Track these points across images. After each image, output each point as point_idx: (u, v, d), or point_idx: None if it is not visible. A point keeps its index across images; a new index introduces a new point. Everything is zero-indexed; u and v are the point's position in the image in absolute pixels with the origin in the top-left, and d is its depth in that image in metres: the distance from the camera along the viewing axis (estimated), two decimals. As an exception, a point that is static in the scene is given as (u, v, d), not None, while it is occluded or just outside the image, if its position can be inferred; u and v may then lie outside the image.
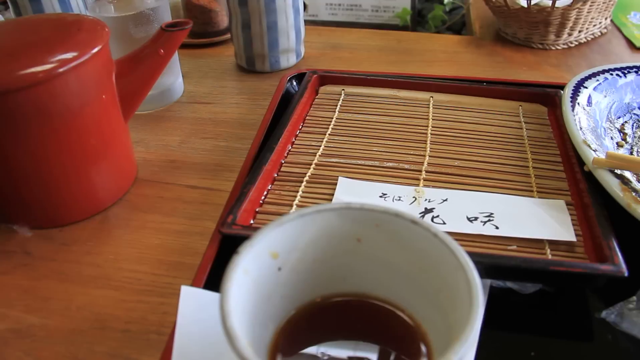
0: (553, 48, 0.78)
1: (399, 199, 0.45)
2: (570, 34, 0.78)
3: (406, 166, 0.49)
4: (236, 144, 0.59)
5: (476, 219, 0.42)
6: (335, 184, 0.47)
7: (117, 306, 0.41)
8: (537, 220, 0.43)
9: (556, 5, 0.73)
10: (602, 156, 0.45)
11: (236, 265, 0.28)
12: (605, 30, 0.82)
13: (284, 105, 0.58)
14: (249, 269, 0.29)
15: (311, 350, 0.32)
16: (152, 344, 0.38)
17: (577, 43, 0.79)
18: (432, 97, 0.60)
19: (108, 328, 0.40)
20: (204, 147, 0.59)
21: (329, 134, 0.55)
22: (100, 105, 0.48)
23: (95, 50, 0.45)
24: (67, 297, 0.42)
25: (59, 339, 0.39)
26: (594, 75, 0.58)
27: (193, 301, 0.36)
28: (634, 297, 0.39)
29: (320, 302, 0.34)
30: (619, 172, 0.44)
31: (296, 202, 0.46)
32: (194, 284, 0.38)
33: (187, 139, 0.61)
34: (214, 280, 0.38)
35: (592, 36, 0.81)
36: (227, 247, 0.41)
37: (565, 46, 0.79)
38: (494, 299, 0.39)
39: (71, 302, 0.42)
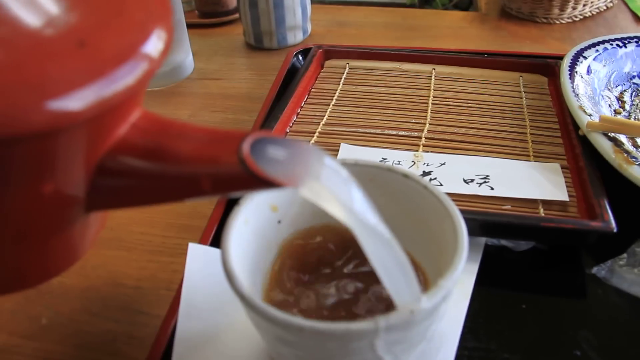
0: (557, 22, 0.79)
1: (399, 163, 0.46)
2: (574, 8, 0.78)
3: (406, 133, 0.51)
4: (244, 116, 0.61)
5: (472, 180, 0.44)
6: (338, 151, 0.49)
7: (129, 265, 0.43)
8: (532, 181, 0.44)
9: (560, -21, 0.74)
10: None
11: (237, 215, 0.30)
12: (610, 4, 0.83)
13: (290, 80, 0.60)
14: (249, 219, 0.31)
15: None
16: (162, 299, 0.40)
17: (581, 17, 0.80)
18: (434, 69, 0.61)
19: (121, 285, 0.42)
20: (213, 120, 0.61)
21: (333, 105, 0.56)
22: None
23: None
24: (82, 258, 0.44)
25: (75, 295, 0.41)
26: (593, 45, 0.59)
27: (199, 257, 0.38)
28: (624, 254, 0.41)
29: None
30: (612, 135, 0.45)
31: (299, 167, 0.48)
32: (201, 242, 0.41)
33: (197, 112, 0.63)
34: (219, 240, 0.40)
35: (597, 10, 0.81)
36: (232, 209, 0.43)
37: (569, 20, 0.79)
38: (489, 256, 0.40)
39: (86, 262, 0.44)
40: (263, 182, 0.21)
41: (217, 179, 0.22)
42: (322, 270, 0.33)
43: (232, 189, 0.23)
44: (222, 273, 0.27)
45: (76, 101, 0.18)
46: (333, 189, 0.23)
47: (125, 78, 0.19)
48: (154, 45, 0.21)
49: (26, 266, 0.26)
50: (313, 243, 0.35)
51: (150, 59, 0.21)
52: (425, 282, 0.32)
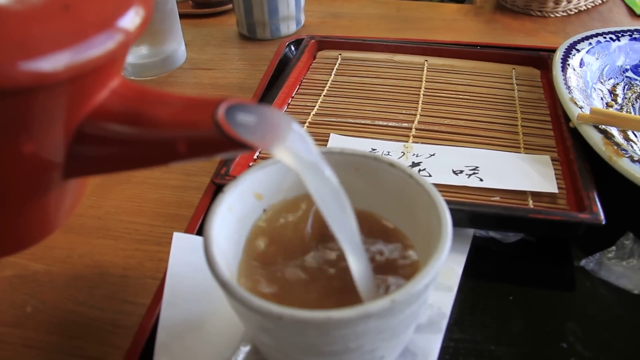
0: (552, 15, 0.79)
1: (388, 154, 0.46)
2: (569, 1, 0.78)
3: (397, 124, 0.51)
4: (235, 106, 0.61)
5: (461, 171, 0.44)
6: (327, 141, 0.49)
7: (116, 254, 0.43)
8: (521, 173, 0.44)
9: (555, -29, 0.74)
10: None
11: (221, 202, 0.30)
12: (606, -2, 0.83)
13: (282, 70, 0.59)
14: (233, 207, 0.31)
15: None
16: (148, 287, 0.40)
17: (576, 10, 0.79)
18: (426, 60, 0.61)
19: (107, 274, 0.42)
20: (203, 110, 0.61)
21: (324, 95, 0.56)
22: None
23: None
24: (69, 247, 0.44)
25: (61, 283, 0.41)
26: (586, 38, 0.59)
27: (184, 246, 0.38)
28: (613, 247, 0.40)
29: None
30: (602, 127, 0.45)
31: (289, 157, 0.47)
32: (187, 231, 0.40)
33: (188, 102, 0.62)
34: (206, 229, 0.40)
35: (592, 4, 0.81)
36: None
37: (564, 14, 0.79)
38: (477, 248, 0.40)
39: (73, 251, 0.44)
40: (237, 145, 0.22)
41: (193, 142, 0.22)
42: (299, 248, 0.33)
43: (207, 152, 0.23)
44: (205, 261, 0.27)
45: (57, 61, 0.19)
46: (294, 147, 0.25)
47: (105, 43, 0.20)
48: (133, 14, 0.22)
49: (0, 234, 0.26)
50: (288, 221, 0.34)
51: (129, 28, 0.22)
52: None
